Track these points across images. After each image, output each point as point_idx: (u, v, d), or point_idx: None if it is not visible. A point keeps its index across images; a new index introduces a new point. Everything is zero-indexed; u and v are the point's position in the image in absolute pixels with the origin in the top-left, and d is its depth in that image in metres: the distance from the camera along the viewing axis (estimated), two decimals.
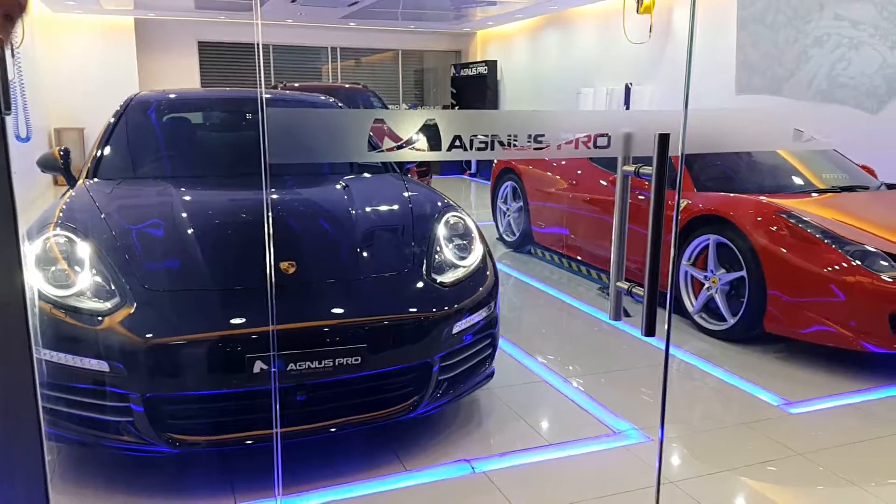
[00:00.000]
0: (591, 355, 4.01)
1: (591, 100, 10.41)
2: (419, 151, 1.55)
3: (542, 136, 1.64)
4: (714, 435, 3.06)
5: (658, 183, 1.65)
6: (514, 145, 1.63)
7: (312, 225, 3.20)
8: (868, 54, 1.69)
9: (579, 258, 5.77)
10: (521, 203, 6.49)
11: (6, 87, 1.21)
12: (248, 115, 4.36)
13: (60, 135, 11.54)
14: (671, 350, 3.99)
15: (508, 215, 6.76)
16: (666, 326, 2.31)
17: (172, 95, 4.53)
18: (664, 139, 1.63)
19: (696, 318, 4.33)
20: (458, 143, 1.57)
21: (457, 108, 14.31)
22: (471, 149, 1.59)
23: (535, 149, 1.65)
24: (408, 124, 1.53)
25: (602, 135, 1.70)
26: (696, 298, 4.35)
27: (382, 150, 1.52)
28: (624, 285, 1.81)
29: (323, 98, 4.77)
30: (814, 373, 3.70)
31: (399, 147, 1.53)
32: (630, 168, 1.74)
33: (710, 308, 4.30)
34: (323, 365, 2.49)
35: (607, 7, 10.25)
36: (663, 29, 9.01)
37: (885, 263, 3.60)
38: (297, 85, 10.36)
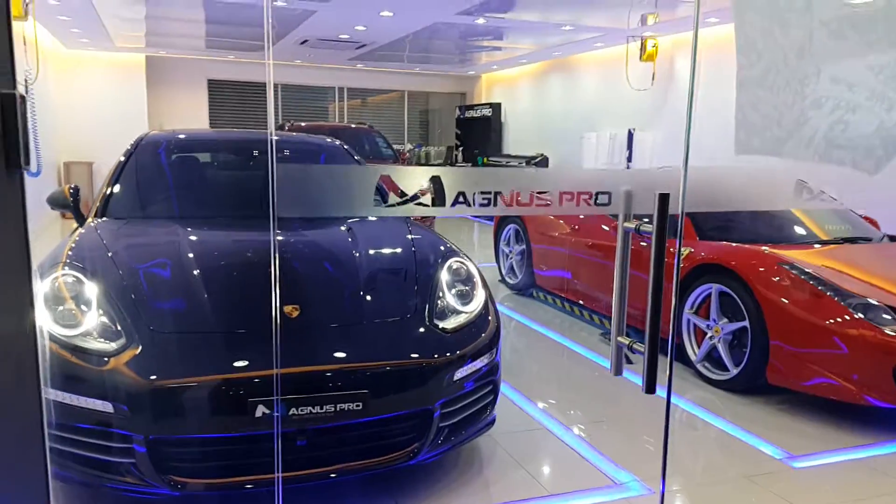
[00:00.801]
0: (592, 402, 3.99)
1: (595, 144, 10.53)
2: (424, 206, 1.58)
3: (545, 192, 1.68)
4: (716, 488, 3.04)
5: (658, 242, 1.67)
6: (517, 201, 1.66)
7: (317, 268, 3.22)
8: (865, 116, 1.73)
9: (581, 303, 5.78)
10: (524, 246, 6.53)
11: (26, 143, 1.25)
12: (256, 154, 4.42)
13: (69, 169, 11.67)
14: (675, 400, 3.97)
15: (511, 258, 6.79)
16: (667, 377, 2.32)
17: (182, 136, 4.60)
18: (664, 198, 1.66)
19: (698, 367, 4.32)
20: (461, 198, 1.61)
21: (461, 149, 14.47)
22: (474, 204, 1.62)
23: (537, 205, 1.68)
24: (413, 180, 1.57)
25: (604, 192, 1.73)
26: (699, 347, 4.35)
27: (388, 205, 1.56)
28: (625, 341, 1.82)
29: (328, 140, 4.84)
30: (817, 426, 3.68)
31: (404, 202, 1.56)
32: (631, 225, 1.77)
33: (712, 357, 4.29)
34: (325, 410, 2.49)
35: (610, 54, 10.43)
36: (666, 76, 9.17)
37: (888, 317, 3.60)
38: (303, 125, 10.50)
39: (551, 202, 1.70)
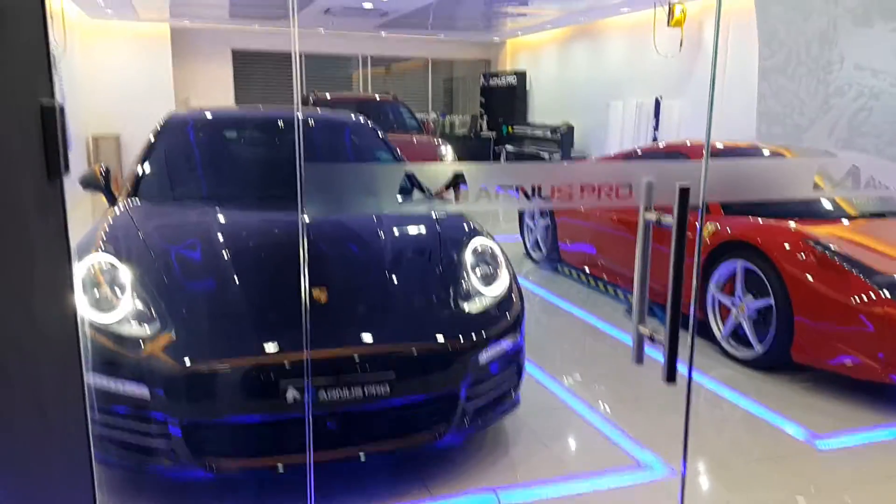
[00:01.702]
0: (616, 381, 4.02)
1: (621, 112, 10.39)
2: (447, 202, 1.61)
3: (566, 186, 1.69)
4: (740, 469, 3.06)
5: (679, 234, 1.68)
6: (539, 195, 1.68)
7: (343, 249, 3.26)
8: (889, 103, 1.72)
9: (605, 278, 5.78)
10: (549, 220, 6.51)
11: (66, 151, 1.29)
12: (282, 128, 4.44)
13: (98, 143, 11.82)
14: (699, 378, 3.98)
15: (535, 232, 6.78)
16: (688, 354, 2.33)
17: (208, 114, 4.64)
18: (684, 192, 1.66)
19: (723, 344, 4.32)
20: (483, 194, 1.63)
21: (486, 117, 14.34)
22: (496, 198, 1.64)
23: (558, 198, 1.69)
24: (437, 176, 1.59)
25: (624, 185, 1.74)
26: (724, 324, 4.34)
27: (413, 202, 1.58)
28: (646, 331, 1.85)
29: (353, 117, 4.86)
30: (842, 405, 3.67)
31: (429, 197, 1.59)
32: (652, 216, 1.78)
33: (737, 335, 4.28)
34: (353, 394, 2.55)
35: (637, 19, 10.22)
36: (694, 42, 8.97)
37: None
38: (328, 96, 10.48)
39: (572, 195, 1.72)
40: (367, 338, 2.70)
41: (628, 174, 1.80)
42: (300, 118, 4.73)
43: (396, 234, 3.37)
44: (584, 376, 4.05)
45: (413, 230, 3.49)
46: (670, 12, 8.84)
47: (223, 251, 3.02)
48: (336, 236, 3.37)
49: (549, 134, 11.96)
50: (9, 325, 1.14)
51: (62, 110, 1.26)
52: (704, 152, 1.66)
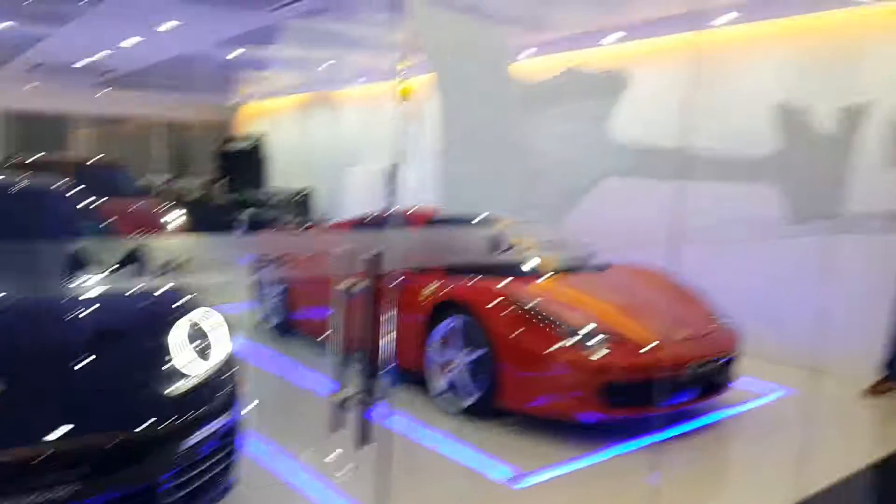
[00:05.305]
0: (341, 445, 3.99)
1: (361, 177, 10.77)
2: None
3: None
4: None
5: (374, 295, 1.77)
6: None
7: (21, 331, 2.82)
8: (552, 180, 2.05)
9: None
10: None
11: None
12: None
13: None
14: (416, 431, 4.17)
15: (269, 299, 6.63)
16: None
17: None
18: (377, 257, 1.77)
19: (437, 400, 4.59)
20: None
21: (222, 181, 13.88)
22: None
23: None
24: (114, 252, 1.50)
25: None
26: (444, 376, 4.60)
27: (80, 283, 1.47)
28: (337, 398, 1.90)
29: (48, 185, 4.31)
30: (543, 444, 4.07)
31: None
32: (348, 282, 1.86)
33: (456, 385, 4.56)
34: (33, 499, 2.25)
35: (373, 90, 10.80)
36: (421, 114, 9.65)
37: (595, 341, 4.11)
38: (31, 159, 9.42)
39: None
40: (50, 434, 2.39)
41: (329, 245, 1.87)
42: None
43: (91, 314, 3.00)
44: (313, 447, 3.97)
45: (112, 309, 3.14)
46: (399, 86, 9.43)
47: None
48: (14, 319, 2.93)
49: (289, 198, 11.94)
50: None
51: None
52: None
